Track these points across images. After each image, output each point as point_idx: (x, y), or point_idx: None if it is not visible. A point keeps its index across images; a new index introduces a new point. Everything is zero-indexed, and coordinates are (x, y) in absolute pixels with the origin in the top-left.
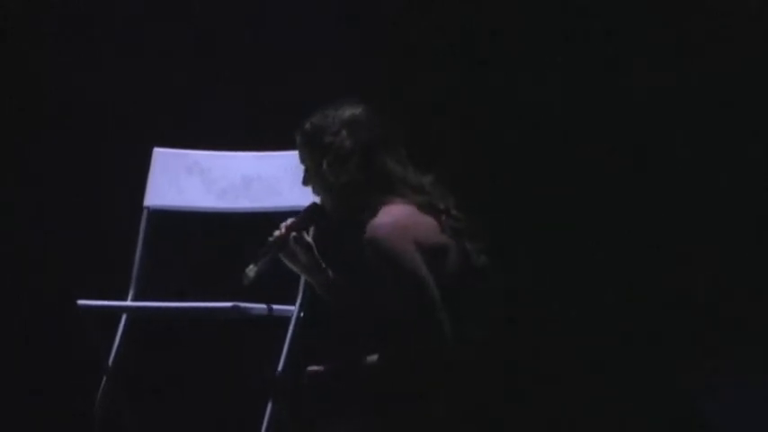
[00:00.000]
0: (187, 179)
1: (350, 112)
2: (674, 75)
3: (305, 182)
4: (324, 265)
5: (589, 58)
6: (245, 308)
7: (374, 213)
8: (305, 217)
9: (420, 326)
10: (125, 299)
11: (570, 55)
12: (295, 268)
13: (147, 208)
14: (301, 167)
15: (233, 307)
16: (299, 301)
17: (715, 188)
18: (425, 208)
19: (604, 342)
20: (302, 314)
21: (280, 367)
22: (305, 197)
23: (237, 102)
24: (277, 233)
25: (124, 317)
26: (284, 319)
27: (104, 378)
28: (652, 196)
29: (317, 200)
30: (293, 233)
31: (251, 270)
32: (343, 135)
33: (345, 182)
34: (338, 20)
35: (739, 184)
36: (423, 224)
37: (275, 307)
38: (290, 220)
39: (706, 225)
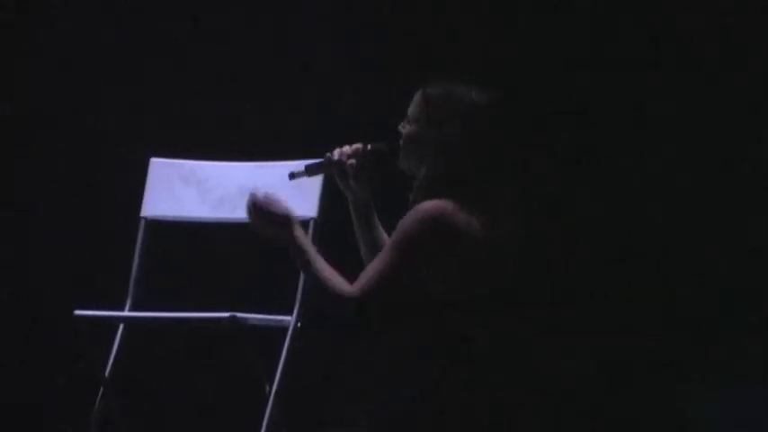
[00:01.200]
0: (183, 189)
1: (483, 98)
2: None
3: (403, 141)
4: (372, 204)
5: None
6: (243, 318)
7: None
8: (372, 151)
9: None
10: (122, 309)
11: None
12: (342, 187)
13: (144, 218)
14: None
15: (230, 317)
16: (296, 311)
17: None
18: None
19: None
20: (299, 324)
21: (277, 377)
22: (304, 208)
23: (235, 111)
24: (336, 152)
25: (121, 327)
26: (282, 330)
27: (101, 389)
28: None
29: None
30: (351, 161)
31: (299, 172)
32: (462, 124)
33: (438, 168)
34: (339, 28)
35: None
36: (468, 221)
37: (272, 317)
38: (353, 146)
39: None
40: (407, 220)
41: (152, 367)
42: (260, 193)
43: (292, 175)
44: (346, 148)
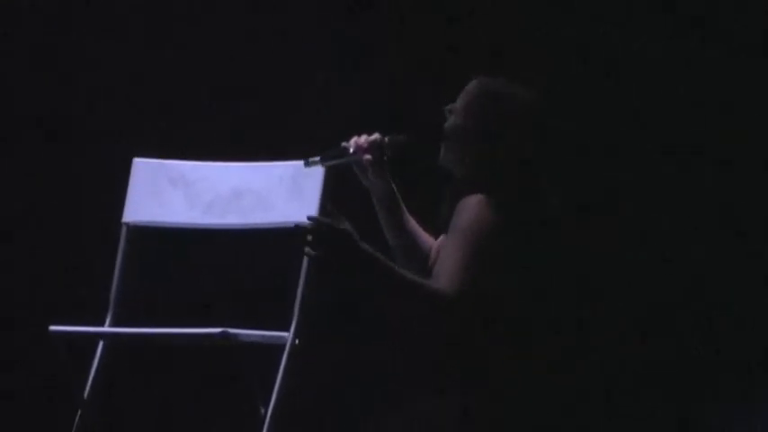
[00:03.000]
0: (170, 192)
1: (533, 96)
2: None
3: (449, 133)
4: (395, 189)
5: None
6: (235, 334)
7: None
8: (390, 143)
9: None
10: (102, 324)
11: None
12: (362, 180)
13: (127, 224)
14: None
15: (221, 333)
16: (293, 327)
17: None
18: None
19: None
20: (298, 341)
21: (273, 399)
22: (301, 212)
23: (225, 108)
24: (353, 143)
25: (101, 344)
26: (278, 347)
27: (79, 412)
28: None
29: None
30: (368, 157)
31: (314, 161)
32: (518, 126)
33: (480, 166)
34: (331, 25)
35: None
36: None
37: (268, 333)
38: (370, 138)
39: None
40: (469, 209)
41: (135, 388)
42: (311, 218)
43: (307, 163)
44: (363, 139)
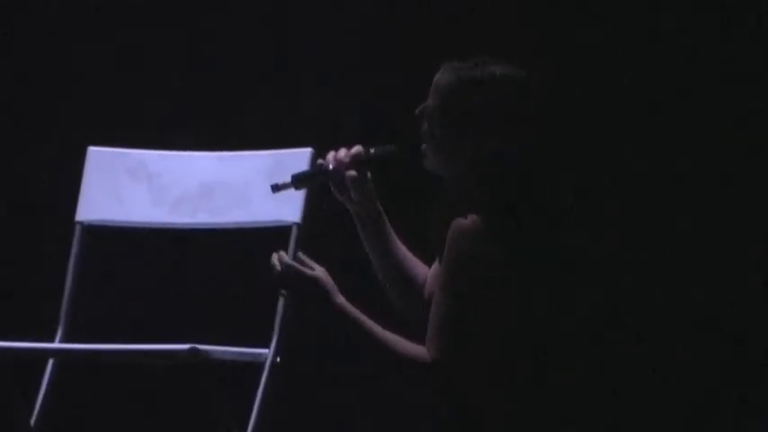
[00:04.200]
0: (131, 186)
1: (511, 90)
2: None
3: (429, 134)
4: (380, 208)
5: None
6: (206, 351)
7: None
8: (377, 156)
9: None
10: (53, 339)
11: None
12: (342, 200)
13: (80, 223)
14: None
15: (190, 349)
16: (274, 343)
17: None
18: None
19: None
20: (278, 359)
21: (251, 424)
22: (280, 208)
23: (194, 90)
24: (332, 159)
25: (51, 362)
26: (256, 365)
27: None
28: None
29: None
30: (352, 173)
31: (284, 184)
32: (488, 122)
33: (478, 169)
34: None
35: None
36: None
37: (244, 350)
38: (352, 152)
39: None
40: (461, 239)
41: (91, 413)
42: (281, 260)
43: (276, 188)
44: (342, 153)
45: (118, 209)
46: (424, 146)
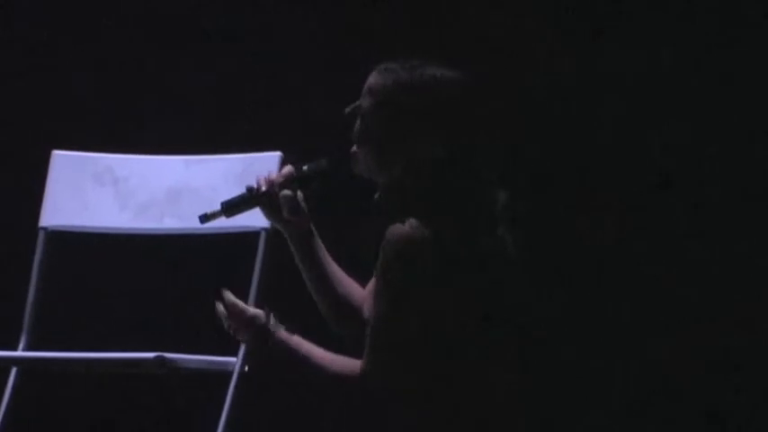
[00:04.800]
0: (96, 191)
1: (450, 93)
2: None
3: (357, 138)
4: (312, 228)
5: None
6: (173, 359)
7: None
8: (309, 173)
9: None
10: (15, 347)
11: None
12: (273, 221)
13: (44, 229)
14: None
15: (157, 358)
16: (242, 352)
17: None
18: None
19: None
20: (247, 368)
21: None
22: (249, 214)
23: (161, 93)
24: (263, 181)
25: (14, 371)
26: (224, 375)
27: None
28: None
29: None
30: (286, 192)
31: (213, 213)
32: (426, 125)
33: (409, 173)
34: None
35: None
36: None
37: (212, 358)
38: (283, 172)
39: None
40: (392, 247)
41: (56, 422)
42: (226, 300)
43: (205, 218)
44: (274, 175)
45: (83, 214)
46: (354, 148)
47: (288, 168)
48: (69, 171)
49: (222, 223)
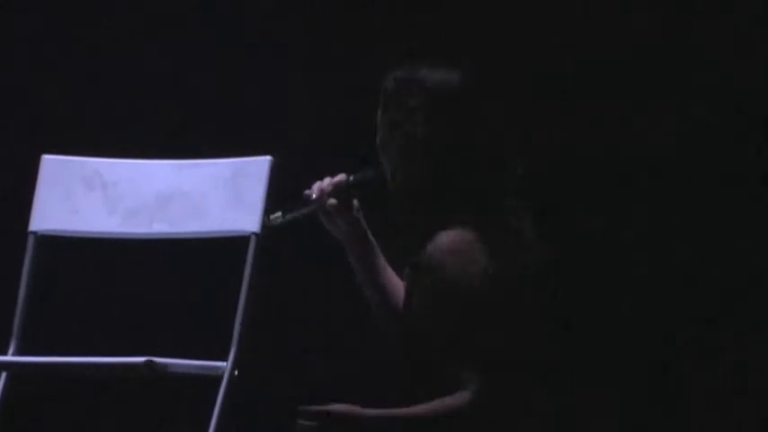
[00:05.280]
0: (86, 195)
1: (468, 80)
2: None
3: (378, 143)
4: (370, 237)
5: None
6: (163, 363)
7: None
8: (355, 183)
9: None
10: (5, 352)
11: None
12: (331, 229)
13: (34, 233)
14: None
15: (146, 362)
16: (232, 356)
17: None
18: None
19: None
20: (237, 372)
21: None
22: (238, 218)
23: (151, 97)
24: (316, 189)
25: (4, 375)
26: (214, 379)
27: None
28: None
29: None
30: (333, 201)
31: (276, 218)
32: (429, 120)
33: (412, 175)
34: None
35: None
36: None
37: (201, 363)
38: (333, 180)
39: None
40: (433, 272)
41: (45, 427)
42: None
43: (267, 221)
44: (327, 182)
45: (72, 218)
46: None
47: (339, 177)
48: (58, 175)
49: (213, 227)
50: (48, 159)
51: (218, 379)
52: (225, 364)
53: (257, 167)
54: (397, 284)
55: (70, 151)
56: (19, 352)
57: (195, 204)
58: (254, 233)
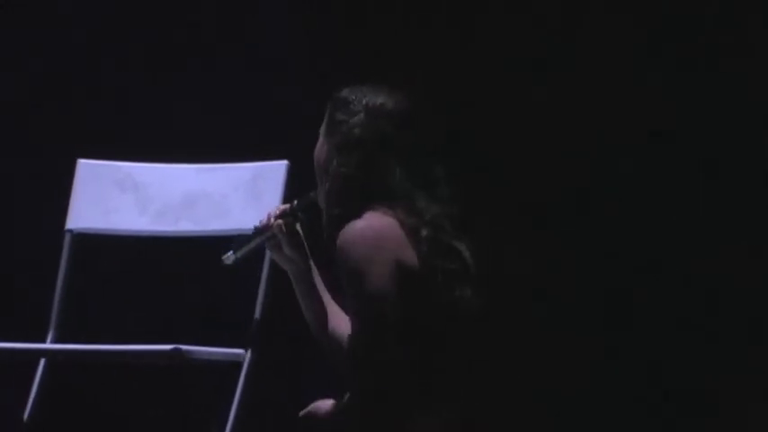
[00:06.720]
0: (118, 197)
1: (383, 99)
2: None
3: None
4: (312, 264)
5: None
6: (188, 351)
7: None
8: (299, 205)
9: (366, 363)
10: (44, 340)
11: None
12: (277, 259)
13: (70, 231)
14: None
15: (173, 350)
16: (251, 344)
17: None
18: (408, 231)
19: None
20: (255, 358)
21: (230, 422)
22: (260, 218)
23: (178, 105)
24: (263, 220)
25: (42, 362)
26: (234, 365)
27: None
28: None
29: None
30: (279, 222)
31: (228, 258)
32: (359, 119)
33: (340, 174)
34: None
35: None
36: (403, 243)
37: (223, 350)
38: (280, 207)
39: None
40: (343, 252)
41: (80, 410)
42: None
43: (224, 262)
44: (273, 211)
45: (105, 218)
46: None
47: (284, 206)
48: (93, 178)
49: (234, 226)
50: (83, 163)
51: (239, 365)
52: (244, 351)
53: (275, 171)
54: (334, 311)
55: (104, 155)
56: (56, 340)
57: (218, 205)
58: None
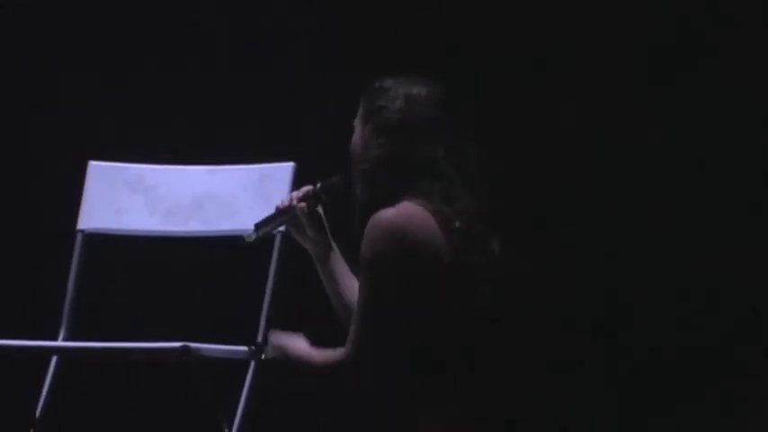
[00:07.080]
0: (129, 198)
1: (419, 86)
2: None
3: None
4: (334, 246)
5: None
6: (197, 348)
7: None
8: (323, 188)
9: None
10: (55, 338)
11: None
12: (299, 240)
13: (82, 231)
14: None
15: (182, 347)
16: (258, 341)
17: None
18: (442, 222)
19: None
20: (264, 357)
21: (237, 419)
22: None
23: (187, 108)
24: (285, 201)
25: (54, 359)
26: (242, 363)
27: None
28: None
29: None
30: (301, 204)
31: (250, 236)
32: (399, 104)
33: (378, 156)
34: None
35: None
36: (434, 236)
37: (231, 348)
38: (303, 189)
39: None
40: (366, 246)
41: (90, 406)
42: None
43: (245, 240)
44: (295, 193)
45: (115, 218)
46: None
47: (306, 187)
48: (104, 180)
49: (242, 226)
50: (94, 165)
51: (246, 362)
52: (253, 349)
53: (281, 172)
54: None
55: (114, 157)
56: (67, 338)
57: (226, 205)
58: (279, 232)
